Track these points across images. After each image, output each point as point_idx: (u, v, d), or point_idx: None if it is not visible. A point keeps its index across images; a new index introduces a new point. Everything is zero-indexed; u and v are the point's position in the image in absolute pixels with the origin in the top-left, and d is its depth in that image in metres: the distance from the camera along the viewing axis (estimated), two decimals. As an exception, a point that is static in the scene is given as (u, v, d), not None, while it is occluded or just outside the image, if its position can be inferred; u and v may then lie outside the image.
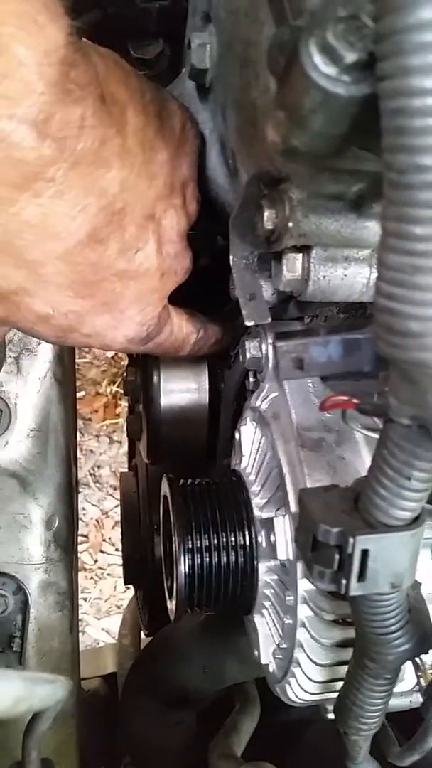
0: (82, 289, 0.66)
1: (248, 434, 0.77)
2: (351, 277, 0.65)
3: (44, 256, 0.61)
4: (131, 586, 1.46)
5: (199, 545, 0.72)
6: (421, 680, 0.63)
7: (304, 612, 0.65)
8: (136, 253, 0.68)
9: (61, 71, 0.53)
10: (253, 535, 0.71)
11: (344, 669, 0.64)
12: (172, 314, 0.79)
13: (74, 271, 0.64)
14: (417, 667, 0.63)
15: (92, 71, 0.59)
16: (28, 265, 0.61)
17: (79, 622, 1.23)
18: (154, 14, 0.81)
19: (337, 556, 0.51)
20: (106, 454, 3.48)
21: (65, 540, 1.10)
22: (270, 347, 0.74)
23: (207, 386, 0.99)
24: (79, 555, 1.38)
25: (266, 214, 0.62)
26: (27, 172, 0.55)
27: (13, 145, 0.53)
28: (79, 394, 3.33)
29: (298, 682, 0.69)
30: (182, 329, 0.81)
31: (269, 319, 0.72)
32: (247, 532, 0.72)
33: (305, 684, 0.69)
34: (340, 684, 0.65)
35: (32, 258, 0.61)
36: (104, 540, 3.23)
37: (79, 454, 2.74)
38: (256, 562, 0.71)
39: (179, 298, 0.79)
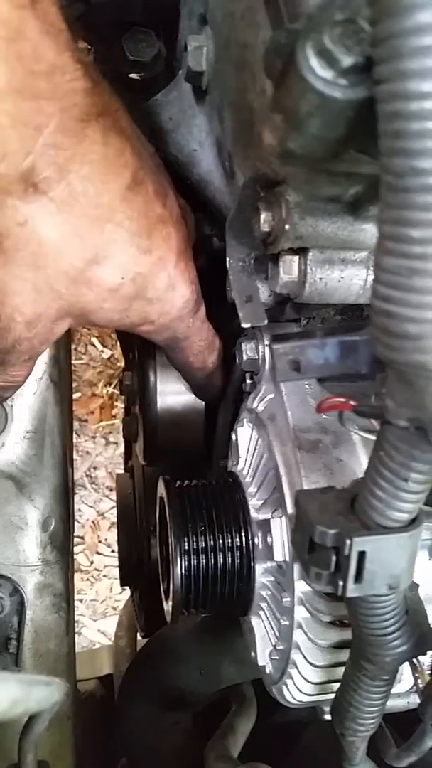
0: (142, 241, 0.69)
1: (245, 436, 0.77)
2: (348, 279, 0.65)
3: (112, 196, 0.65)
4: (127, 588, 1.46)
5: (195, 547, 0.72)
6: (419, 681, 0.63)
7: (300, 613, 0.65)
8: (166, 196, 0.73)
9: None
10: (250, 537, 0.71)
11: (341, 670, 0.64)
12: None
13: (131, 217, 0.68)
14: (414, 669, 0.63)
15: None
16: (100, 216, 0.65)
17: (76, 624, 1.23)
18: (139, 3, 0.81)
19: (333, 558, 0.51)
20: (102, 455, 3.47)
21: (61, 542, 1.10)
22: (266, 349, 0.75)
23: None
24: (75, 556, 1.38)
25: (263, 216, 0.62)
26: (83, 104, 0.60)
27: (70, 76, 0.58)
28: (75, 396, 3.33)
29: (294, 684, 0.69)
30: (210, 326, 0.85)
31: (266, 321, 0.72)
32: (243, 534, 0.72)
33: (302, 685, 0.69)
34: (337, 685, 0.65)
35: (104, 206, 0.65)
36: (100, 541, 3.22)
37: (75, 456, 2.73)
38: (252, 564, 0.71)
39: None
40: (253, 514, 0.72)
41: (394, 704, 0.70)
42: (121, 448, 2.11)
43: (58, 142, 0.59)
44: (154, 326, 0.77)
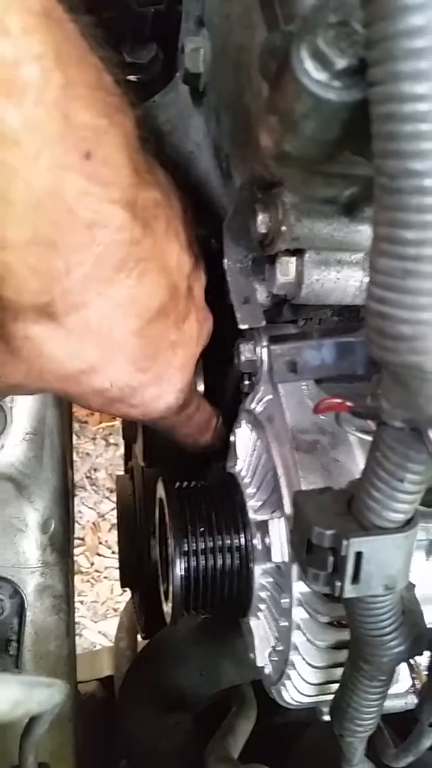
0: (143, 363, 0.68)
1: (243, 437, 0.78)
2: (344, 281, 0.65)
3: (124, 334, 0.64)
4: (128, 589, 1.46)
5: (194, 548, 0.72)
6: (416, 682, 0.64)
7: (299, 614, 0.65)
8: (185, 322, 0.71)
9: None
10: (249, 538, 0.71)
11: (340, 671, 0.64)
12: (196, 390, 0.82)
13: (140, 346, 0.66)
14: (411, 669, 0.63)
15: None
16: (108, 345, 0.64)
17: (76, 626, 1.23)
18: (150, 18, 0.81)
19: (331, 559, 0.51)
20: (102, 456, 3.48)
21: (61, 543, 1.10)
22: (264, 350, 0.75)
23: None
24: (75, 558, 1.38)
25: (260, 218, 0.62)
26: (124, 254, 0.58)
27: (115, 229, 0.55)
28: (75, 397, 3.32)
29: (293, 684, 0.69)
30: (206, 407, 0.85)
31: (263, 323, 0.72)
32: (242, 535, 0.72)
33: (301, 686, 0.69)
34: (335, 686, 0.65)
35: (115, 339, 0.63)
36: (101, 543, 3.22)
37: (75, 457, 2.73)
38: (251, 565, 0.71)
39: None
40: (251, 515, 0.72)
41: (392, 705, 0.70)
42: (121, 450, 2.11)
43: (82, 287, 0.57)
44: (134, 418, 0.79)
